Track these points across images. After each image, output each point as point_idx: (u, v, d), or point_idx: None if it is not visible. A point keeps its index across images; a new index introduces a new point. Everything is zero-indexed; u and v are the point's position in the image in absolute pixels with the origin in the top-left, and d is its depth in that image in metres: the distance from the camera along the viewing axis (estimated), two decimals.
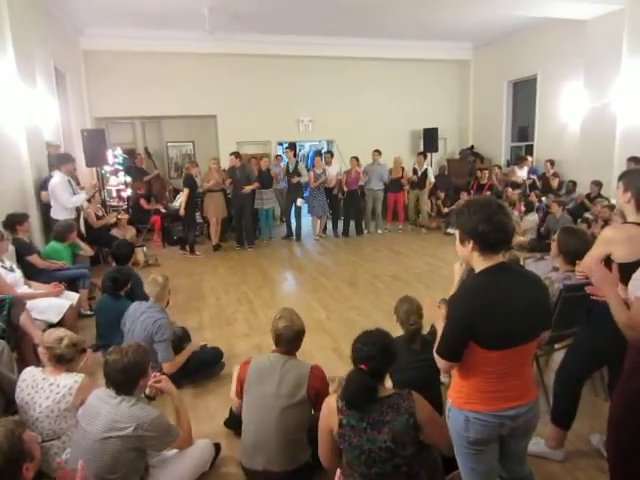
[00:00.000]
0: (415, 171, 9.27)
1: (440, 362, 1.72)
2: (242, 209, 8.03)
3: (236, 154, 7.96)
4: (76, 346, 2.49)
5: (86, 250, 5.49)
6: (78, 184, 6.10)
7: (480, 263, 1.67)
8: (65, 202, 5.44)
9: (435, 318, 1.86)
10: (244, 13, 8.05)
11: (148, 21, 8.34)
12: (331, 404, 1.96)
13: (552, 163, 8.89)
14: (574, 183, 8.28)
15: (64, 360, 2.46)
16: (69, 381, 2.41)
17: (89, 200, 6.63)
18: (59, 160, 5.66)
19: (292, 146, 9.38)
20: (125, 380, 2.13)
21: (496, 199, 1.74)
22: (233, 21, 8.38)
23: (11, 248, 4.35)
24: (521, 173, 9.21)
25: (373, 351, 1.90)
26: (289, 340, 2.38)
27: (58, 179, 5.43)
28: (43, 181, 5.73)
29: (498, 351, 1.62)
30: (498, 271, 1.65)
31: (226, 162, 8.78)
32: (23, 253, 4.54)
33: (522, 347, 1.66)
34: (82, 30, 8.64)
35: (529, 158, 9.48)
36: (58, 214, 5.45)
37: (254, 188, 8.09)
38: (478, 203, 1.66)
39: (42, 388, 2.41)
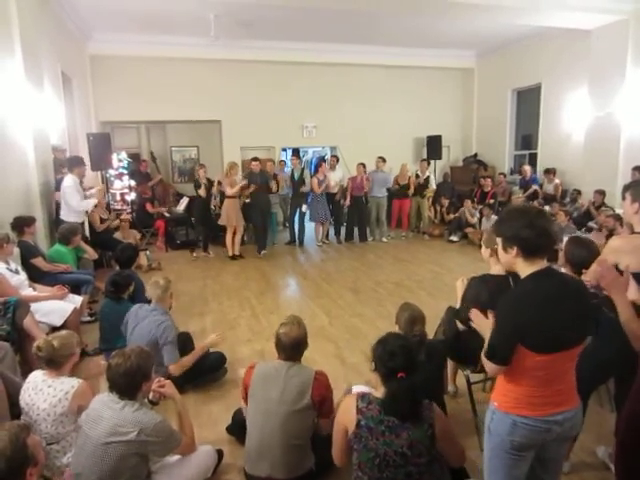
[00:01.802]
0: (417, 177, 9.27)
1: (489, 366, 1.73)
2: (263, 215, 7.97)
3: (256, 159, 7.97)
4: (41, 350, 2.39)
5: (90, 253, 5.49)
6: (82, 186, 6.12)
7: (525, 269, 1.69)
8: (76, 206, 5.49)
9: (483, 328, 1.85)
10: (249, 20, 8.10)
11: (154, 27, 8.41)
12: (350, 403, 1.96)
13: (554, 172, 8.84)
14: (579, 192, 8.26)
15: (42, 361, 2.43)
16: (66, 385, 2.39)
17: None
18: (71, 163, 5.70)
19: (297, 154, 9.38)
20: (128, 384, 2.12)
21: (536, 206, 1.77)
22: (238, 27, 8.43)
23: (16, 250, 4.36)
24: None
25: (407, 357, 1.92)
26: (286, 347, 2.36)
27: (70, 182, 5.47)
28: (57, 182, 5.82)
29: (547, 355, 1.64)
30: (545, 276, 1.68)
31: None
32: (28, 255, 4.54)
33: (570, 351, 1.69)
34: (89, 35, 8.71)
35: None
36: (68, 216, 5.49)
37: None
38: (519, 210, 1.74)
39: (41, 390, 2.40)
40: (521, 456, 1.75)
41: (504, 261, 1.78)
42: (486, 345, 1.74)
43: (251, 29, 8.63)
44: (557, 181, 8.75)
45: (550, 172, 8.87)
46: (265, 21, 8.25)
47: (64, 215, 5.53)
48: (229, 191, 7.51)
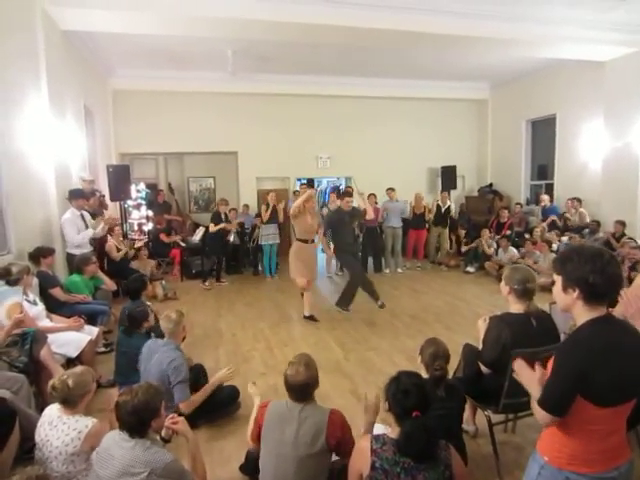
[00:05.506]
0: (439, 208, 9.22)
1: (542, 416, 1.62)
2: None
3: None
4: (56, 390, 2.36)
5: (108, 285, 5.50)
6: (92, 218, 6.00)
7: (584, 314, 1.59)
8: (71, 240, 5.46)
9: (529, 381, 1.75)
10: (265, 55, 8.34)
11: (174, 63, 8.69)
12: (364, 445, 1.89)
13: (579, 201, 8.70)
14: (598, 223, 8.11)
15: (57, 400, 2.40)
16: (80, 425, 2.36)
17: (111, 234, 6.74)
18: (70, 195, 5.58)
19: (311, 184, 9.34)
20: (137, 421, 2.08)
21: (607, 250, 1.65)
22: (254, 62, 8.68)
23: (35, 281, 4.41)
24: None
25: (421, 395, 1.87)
26: (293, 389, 2.28)
27: (68, 215, 5.45)
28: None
29: (609, 408, 1.54)
30: (606, 323, 1.58)
31: (248, 198, 8.89)
32: (46, 285, 4.59)
33: (630, 403, 1.59)
34: (112, 71, 9.03)
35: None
36: (71, 249, 5.50)
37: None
38: (590, 252, 1.60)
39: (56, 427, 2.37)
40: None
41: (560, 302, 1.65)
42: (542, 392, 1.63)
43: (267, 63, 8.87)
44: (582, 210, 8.57)
45: (575, 201, 8.69)
46: (281, 56, 8.49)
47: (70, 248, 5.51)
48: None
